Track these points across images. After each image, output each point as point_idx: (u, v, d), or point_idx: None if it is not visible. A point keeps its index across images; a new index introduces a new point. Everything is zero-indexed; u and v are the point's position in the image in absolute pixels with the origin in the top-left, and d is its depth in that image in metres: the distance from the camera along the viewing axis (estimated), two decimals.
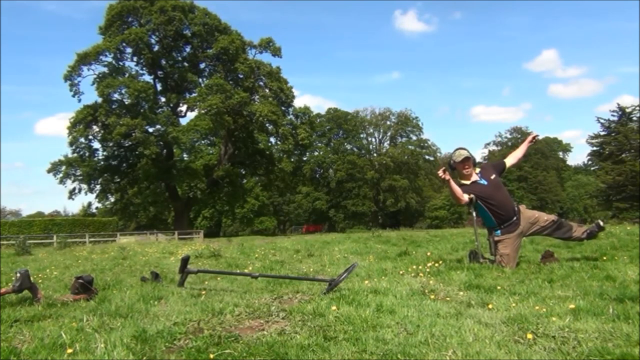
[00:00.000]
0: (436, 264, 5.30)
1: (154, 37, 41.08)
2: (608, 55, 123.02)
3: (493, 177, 5.17)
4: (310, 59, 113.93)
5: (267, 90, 44.21)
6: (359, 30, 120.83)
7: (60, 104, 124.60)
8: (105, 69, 39.56)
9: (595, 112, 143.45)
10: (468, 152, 5.20)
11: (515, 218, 5.06)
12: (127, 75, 39.97)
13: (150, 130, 39.88)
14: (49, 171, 39.65)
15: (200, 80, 43.28)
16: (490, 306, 3.20)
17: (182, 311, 3.32)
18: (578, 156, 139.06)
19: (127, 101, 38.52)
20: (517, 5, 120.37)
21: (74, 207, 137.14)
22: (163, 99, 42.29)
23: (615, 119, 44.39)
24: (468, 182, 5.15)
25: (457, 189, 5.01)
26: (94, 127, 39.67)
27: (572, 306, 3.03)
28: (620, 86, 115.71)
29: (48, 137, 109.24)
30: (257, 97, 44.22)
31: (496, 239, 5.04)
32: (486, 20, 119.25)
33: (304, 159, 57.78)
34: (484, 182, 5.12)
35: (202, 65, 44.78)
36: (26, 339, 2.82)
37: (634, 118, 43.66)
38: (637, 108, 43.33)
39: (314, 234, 41.13)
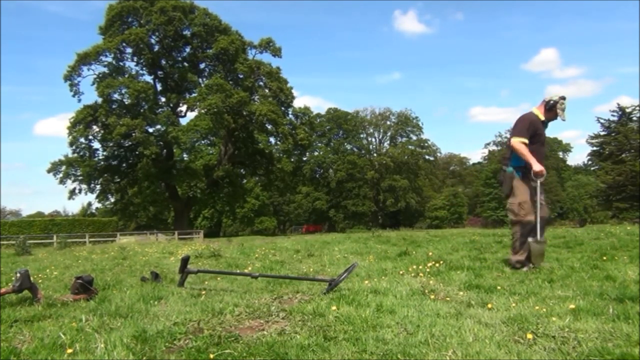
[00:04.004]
0: (436, 264, 5.30)
1: (154, 37, 41.01)
2: (607, 56, 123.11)
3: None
4: (310, 59, 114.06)
5: (267, 90, 44.19)
6: (359, 30, 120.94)
7: (60, 104, 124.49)
8: (105, 69, 39.58)
9: (594, 112, 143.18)
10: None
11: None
12: (127, 75, 39.91)
13: (150, 130, 39.84)
14: (49, 171, 39.62)
15: (200, 80, 43.20)
16: (490, 306, 3.20)
17: (182, 311, 3.32)
18: (578, 156, 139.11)
19: (127, 101, 38.47)
20: (517, 5, 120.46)
21: (74, 207, 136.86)
22: (163, 99, 42.23)
23: (615, 119, 44.38)
24: (543, 118, 5.14)
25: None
26: (94, 127, 39.58)
27: (572, 306, 3.03)
28: (618, 87, 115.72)
29: (48, 137, 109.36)
30: (257, 97, 44.21)
31: (515, 181, 5.04)
32: (486, 21, 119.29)
33: (304, 159, 57.74)
34: (545, 131, 5.20)
35: (202, 65, 44.72)
36: (26, 339, 2.82)
37: (634, 118, 43.64)
38: (637, 108, 43.35)
39: (314, 234, 41.12)
